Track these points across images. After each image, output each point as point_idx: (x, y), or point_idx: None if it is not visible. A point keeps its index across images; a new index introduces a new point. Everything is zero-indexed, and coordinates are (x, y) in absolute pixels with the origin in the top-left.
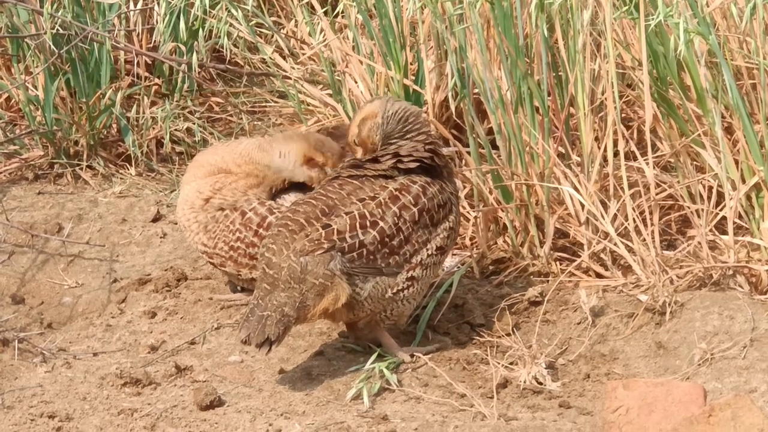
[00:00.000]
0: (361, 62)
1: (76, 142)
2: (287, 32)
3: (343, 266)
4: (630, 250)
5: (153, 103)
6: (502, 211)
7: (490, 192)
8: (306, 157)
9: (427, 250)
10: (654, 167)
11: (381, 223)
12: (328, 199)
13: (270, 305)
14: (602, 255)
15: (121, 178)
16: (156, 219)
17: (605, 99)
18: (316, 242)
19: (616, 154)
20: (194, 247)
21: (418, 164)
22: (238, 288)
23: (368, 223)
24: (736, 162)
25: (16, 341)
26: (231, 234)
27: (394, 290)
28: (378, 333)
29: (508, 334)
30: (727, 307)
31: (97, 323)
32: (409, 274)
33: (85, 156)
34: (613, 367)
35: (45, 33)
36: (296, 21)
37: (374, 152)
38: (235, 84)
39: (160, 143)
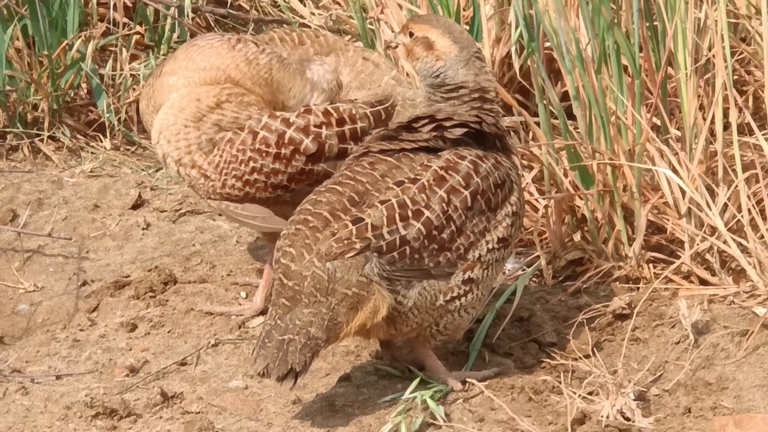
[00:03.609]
0: (401, 6)
1: (35, 107)
2: None
3: (382, 270)
4: (744, 249)
5: (133, 57)
6: (580, 198)
7: (565, 174)
8: None
9: (487, 243)
10: None
11: (426, 212)
12: (357, 184)
13: (292, 326)
14: (708, 256)
15: (92, 153)
16: (137, 205)
17: (713, 56)
18: (346, 242)
19: (726, 126)
20: (183, 178)
21: (465, 131)
22: (242, 294)
23: (410, 213)
24: None
25: None
26: (242, 165)
27: (447, 297)
28: (421, 353)
29: (587, 356)
30: None
31: (62, 337)
32: (466, 276)
33: (46, 124)
34: (720, 399)
35: None
36: None
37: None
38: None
39: None
